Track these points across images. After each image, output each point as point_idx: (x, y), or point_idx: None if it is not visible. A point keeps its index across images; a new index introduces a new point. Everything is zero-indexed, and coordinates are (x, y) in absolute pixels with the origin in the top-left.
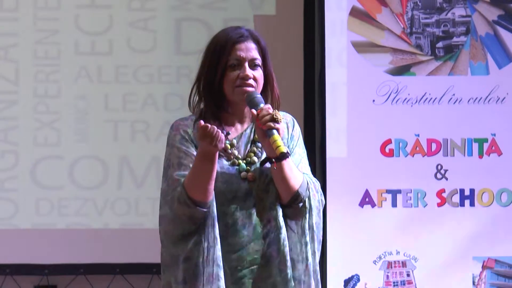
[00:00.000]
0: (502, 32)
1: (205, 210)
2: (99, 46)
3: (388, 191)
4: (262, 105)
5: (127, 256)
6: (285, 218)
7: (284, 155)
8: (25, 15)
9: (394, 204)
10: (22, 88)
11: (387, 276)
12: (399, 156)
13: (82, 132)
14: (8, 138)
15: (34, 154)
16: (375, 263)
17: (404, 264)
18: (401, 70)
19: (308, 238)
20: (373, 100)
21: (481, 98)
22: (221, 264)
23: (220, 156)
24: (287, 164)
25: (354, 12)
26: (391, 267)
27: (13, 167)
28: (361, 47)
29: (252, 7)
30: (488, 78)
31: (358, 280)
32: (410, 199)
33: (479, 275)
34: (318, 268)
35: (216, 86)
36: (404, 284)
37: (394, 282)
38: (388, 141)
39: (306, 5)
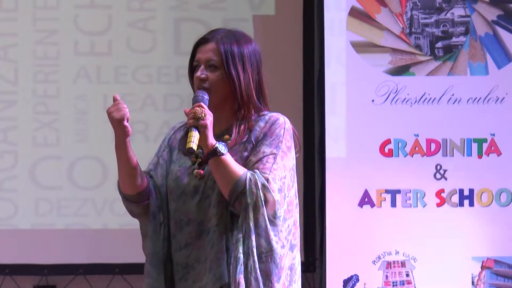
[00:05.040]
0: (502, 32)
1: (138, 204)
2: (99, 46)
3: (387, 191)
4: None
5: (126, 256)
6: (233, 216)
7: (191, 151)
8: (24, 15)
9: (393, 204)
10: (21, 88)
11: (386, 276)
12: (398, 156)
13: (81, 132)
14: (8, 138)
15: (33, 154)
16: (374, 263)
17: (403, 264)
18: (400, 70)
19: (242, 236)
20: (373, 100)
21: (480, 98)
22: (154, 261)
23: (185, 155)
24: (218, 161)
25: (354, 12)
26: (390, 267)
27: (13, 167)
28: (361, 47)
29: (251, 7)
30: (487, 78)
31: (357, 280)
32: (410, 199)
33: (478, 275)
34: (257, 266)
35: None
36: (403, 284)
37: (393, 282)
38: (388, 141)
39: (305, 5)
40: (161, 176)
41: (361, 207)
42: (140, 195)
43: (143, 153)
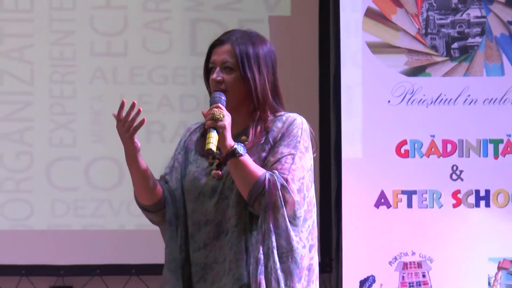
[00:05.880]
0: None
1: (156, 213)
2: (114, 47)
3: (403, 192)
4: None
5: (143, 257)
6: (252, 216)
7: (210, 152)
8: (40, 16)
9: (409, 205)
10: (37, 89)
11: (403, 277)
12: (414, 157)
13: (97, 133)
14: (24, 139)
15: (49, 155)
16: (390, 264)
17: (419, 265)
18: (416, 71)
19: (261, 236)
20: (389, 101)
21: (496, 99)
22: (172, 267)
23: (202, 156)
24: (237, 162)
25: (369, 13)
26: (407, 268)
27: (29, 168)
28: (376, 48)
29: (267, 8)
30: (503, 78)
31: (374, 281)
32: (426, 200)
33: (495, 276)
34: (278, 266)
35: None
36: (419, 285)
37: (409, 283)
38: (404, 142)
39: (321, 6)
40: (175, 179)
41: (377, 207)
42: (156, 205)
43: (160, 154)
